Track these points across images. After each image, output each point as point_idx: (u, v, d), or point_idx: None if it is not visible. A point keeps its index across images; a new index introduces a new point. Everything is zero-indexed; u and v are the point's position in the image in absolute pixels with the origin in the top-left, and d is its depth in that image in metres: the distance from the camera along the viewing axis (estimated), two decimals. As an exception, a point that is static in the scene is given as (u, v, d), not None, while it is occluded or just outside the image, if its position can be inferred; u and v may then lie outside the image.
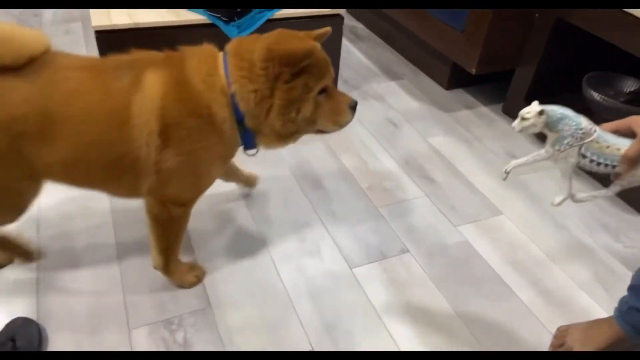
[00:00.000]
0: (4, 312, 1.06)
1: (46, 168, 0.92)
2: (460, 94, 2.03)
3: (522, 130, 0.80)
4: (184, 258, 1.18)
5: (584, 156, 0.79)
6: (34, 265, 1.16)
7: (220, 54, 0.94)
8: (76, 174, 0.95)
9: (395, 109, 1.90)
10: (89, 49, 2.11)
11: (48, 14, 2.41)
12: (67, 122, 0.87)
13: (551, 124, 0.79)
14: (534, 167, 1.63)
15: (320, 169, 1.56)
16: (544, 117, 0.78)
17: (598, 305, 1.19)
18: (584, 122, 0.78)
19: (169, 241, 1.07)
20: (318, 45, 0.93)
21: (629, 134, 0.79)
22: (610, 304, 1.19)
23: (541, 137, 0.82)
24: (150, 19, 1.48)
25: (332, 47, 1.76)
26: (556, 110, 0.78)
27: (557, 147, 0.80)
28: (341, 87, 2.00)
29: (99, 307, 1.10)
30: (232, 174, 1.34)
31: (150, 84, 0.88)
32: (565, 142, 0.78)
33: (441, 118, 1.87)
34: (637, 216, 1.47)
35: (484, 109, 1.94)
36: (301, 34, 0.95)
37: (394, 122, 1.82)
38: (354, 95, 1.95)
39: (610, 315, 1.02)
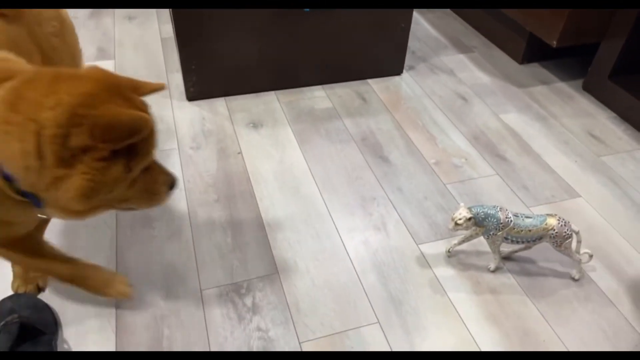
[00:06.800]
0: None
1: None
2: (535, 69, 1.92)
3: (457, 231, 1.07)
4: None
5: (506, 238, 1.07)
6: (114, 225, 1.23)
7: None
8: None
9: (465, 83, 1.83)
10: None
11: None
12: None
13: (479, 223, 1.06)
14: (616, 149, 1.53)
15: (387, 143, 1.53)
16: (472, 220, 1.05)
17: (685, 298, 1.12)
18: (502, 216, 1.05)
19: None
20: (149, 115, 0.69)
21: None
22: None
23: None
24: None
25: (402, 18, 1.70)
26: (480, 213, 1.05)
27: (485, 236, 1.09)
28: (409, 58, 1.93)
29: (172, 267, 1.14)
30: None
31: None
32: (491, 232, 1.07)
33: (514, 94, 1.77)
34: None
35: (562, 85, 1.83)
36: (124, 84, 0.70)
37: (463, 97, 1.75)
38: (422, 67, 1.89)
39: None
